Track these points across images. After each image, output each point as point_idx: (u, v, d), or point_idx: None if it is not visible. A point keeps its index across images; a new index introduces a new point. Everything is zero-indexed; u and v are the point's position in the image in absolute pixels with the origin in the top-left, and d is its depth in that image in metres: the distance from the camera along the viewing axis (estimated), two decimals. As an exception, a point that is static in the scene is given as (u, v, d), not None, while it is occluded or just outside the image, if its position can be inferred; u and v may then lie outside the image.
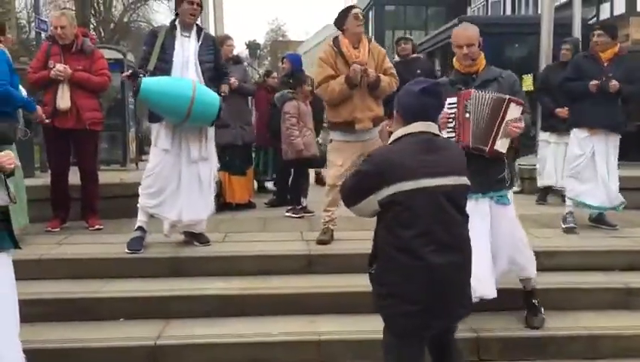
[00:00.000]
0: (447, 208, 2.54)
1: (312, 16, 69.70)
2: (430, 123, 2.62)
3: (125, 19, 26.66)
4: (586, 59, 5.43)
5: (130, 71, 4.41)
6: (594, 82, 5.15)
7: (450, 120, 3.58)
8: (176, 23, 4.62)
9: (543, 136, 7.06)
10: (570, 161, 5.48)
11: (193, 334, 3.73)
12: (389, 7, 23.08)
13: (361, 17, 4.69)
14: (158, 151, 4.57)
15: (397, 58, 7.42)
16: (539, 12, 16.03)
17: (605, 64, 5.27)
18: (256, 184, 8.06)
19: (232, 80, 6.24)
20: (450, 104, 3.54)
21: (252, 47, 29.62)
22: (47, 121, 5.10)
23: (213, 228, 5.27)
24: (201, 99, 4.43)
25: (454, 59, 3.72)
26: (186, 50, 4.55)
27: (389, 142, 2.70)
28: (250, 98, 7.12)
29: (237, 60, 6.79)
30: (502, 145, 3.58)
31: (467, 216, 2.68)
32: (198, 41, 4.62)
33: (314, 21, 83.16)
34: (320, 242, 4.75)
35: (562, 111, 6.34)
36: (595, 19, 14.33)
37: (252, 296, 4.12)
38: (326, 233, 4.83)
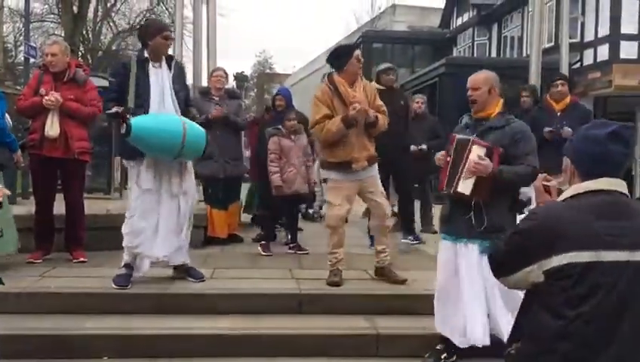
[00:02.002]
0: (630, 291, 1.93)
1: (299, 49, 70.48)
2: (616, 180, 2.04)
3: (114, 47, 26.69)
4: (540, 111, 5.73)
5: (115, 109, 4.25)
6: (547, 129, 5.41)
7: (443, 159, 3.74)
8: (146, 54, 4.53)
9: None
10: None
11: (181, 376, 3.60)
12: (377, 44, 23.33)
13: (362, 59, 4.71)
14: (138, 190, 4.47)
15: (379, 87, 7.44)
16: (523, 55, 16.44)
17: (558, 113, 5.58)
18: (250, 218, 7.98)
19: (217, 108, 6.22)
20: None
21: (240, 79, 29.69)
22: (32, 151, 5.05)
23: (201, 263, 5.17)
24: (191, 134, 4.40)
25: None
26: (161, 80, 4.51)
27: (562, 199, 2.11)
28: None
29: (232, 95, 6.77)
30: (465, 187, 3.57)
31: None
32: (170, 70, 4.58)
33: (301, 54, 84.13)
34: (331, 284, 4.64)
35: None
36: (578, 64, 14.68)
37: (241, 337, 4.01)
38: (336, 275, 4.70)
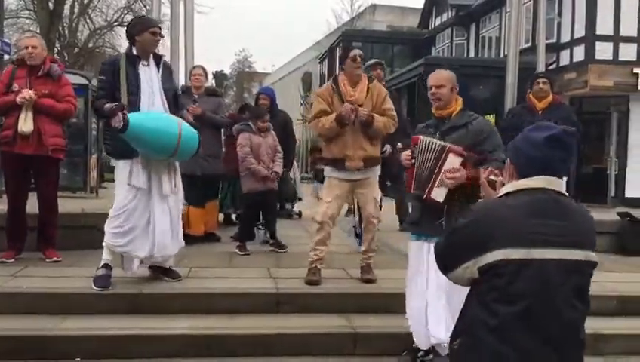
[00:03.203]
0: (561, 289, 1.96)
1: (278, 48, 70.36)
2: (554, 178, 2.05)
3: (90, 45, 26.31)
4: (522, 110, 5.75)
5: (115, 104, 4.17)
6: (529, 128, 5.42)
7: (408, 161, 3.70)
8: (134, 51, 4.46)
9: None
10: None
11: (155, 377, 3.55)
12: (356, 43, 23.40)
13: (359, 59, 4.70)
14: (129, 189, 4.36)
15: None
16: (501, 55, 16.60)
17: (540, 112, 5.59)
18: (222, 216, 7.94)
19: (194, 106, 6.17)
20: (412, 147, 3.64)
21: (219, 77, 29.60)
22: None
23: (177, 262, 5.10)
24: (186, 135, 4.36)
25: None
26: (149, 79, 4.44)
27: (499, 195, 2.14)
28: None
29: (212, 92, 6.71)
30: (438, 195, 3.56)
31: (588, 304, 2.07)
32: (158, 68, 4.52)
33: (281, 53, 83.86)
34: (309, 282, 4.64)
35: None
36: (554, 65, 14.86)
37: (218, 337, 3.97)
38: (315, 273, 4.70)
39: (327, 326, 4.17)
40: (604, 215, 7.37)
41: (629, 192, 13.41)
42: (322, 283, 4.70)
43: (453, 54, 20.62)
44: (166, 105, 4.50)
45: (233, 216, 7.96)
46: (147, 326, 4.00)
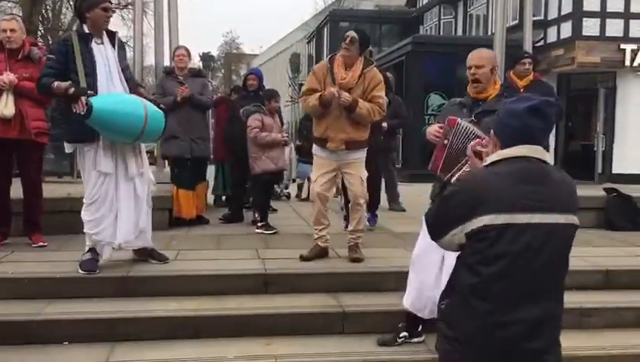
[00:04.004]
0: (541, 251, 2.05)
1: (266, 29, 69.73)
2: (536, 147, 2.12)
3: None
4: (505, 89, 5.73)
5: (72, 89, 4.00)
6: None
7: (438, 139, 3.44)
8: (86, 29, 4.28)
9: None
10: None
11: (141, 359, 3.53)
12: (344, 23, 23.25)
13: (350, 41, 4.62)
14: (98, 175, 4.26)
15: None
16: (489, 33, 16.53)
17: (521, 90, 5.60)
18: (213, 198, 7.92)
19: (183, 87, 6.11)
20: (440, 126, 3.45)
21: (205, 59, 29.31)
22: None
23: (165, 245, 5.11)
24: (152, 116, 4.26)
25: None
26: (105, 58, 4.28)
27: (484, 165, 2.22)
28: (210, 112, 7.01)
29: (196, 73, 6.64)
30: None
31: (567, 264, 2.17)
32: (114, 47, 4.36)
33: (268, 35, 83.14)
34: (302, 258, 4.75)
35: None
36: (542, 42, 14.83)
37: (206, 318, 3.96)
38: (311, 250, 4.80)
39: (316, 305, 4.18)
40: (591, 191, 7.42)
41: (616, 168, 13.50)
42: (311, 263, 4.71)
43: (441, 33, 20.53)
44: (126, 86, 4.37)
45: (223, 198, 7.96)
46: (135, 308, 3.99)
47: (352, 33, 4.67)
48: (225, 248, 5.32)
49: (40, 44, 5.60)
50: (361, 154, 4.81)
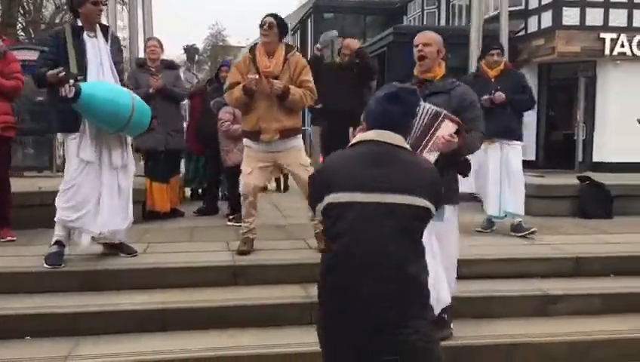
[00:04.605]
0: (381, 229, 2.16)
1: (252, 21, 69.18)
2: (387, 132, 2.27)
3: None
4: (476, 78, 5.77)
5: (64, 73, 4.03)
6: (485, 97, 5.48)
7: None
8: (79, 22, 4.34)
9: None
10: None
11: (105, 353, 3.51)
12: (328, 14, 23.18)
13: (268, 27, 4.59)
14: (79, 162, 4.27)
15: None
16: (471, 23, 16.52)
17: (493, 80, 5.66)
18: (189, 192, 7.88)
19: (156, 78, 6.07)
20: None
21: (190, 51, 28.97)
22: None
23: (138, 239, 5.08)
24: (139, 109, 4.29)
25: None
26: (98, 51, 4.32)
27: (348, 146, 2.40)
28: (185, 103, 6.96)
29: (170, 65, 6.58)
30: (429, 158, 3.46)
31: (418, 245, 2.27)
32: (107, 40, 4.41)
33: (254, 27, 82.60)
34: (241, 253, 4.65)
35: None
36: (523, 32, 14.87)
37: (172, 311, 3.95)
38: (246, 243, 4.74)
39: (284, 296, 4.17)
40: (568, 180, 7.46)
41: (597, 157, 13.58)
42: (281, 255, 4.71)
43: (425, 23, 20.50)
44: (117, 79, 4.40)
45: (200, 192, 7.91)
46: (101, 302, 3.97)
47: (268, 18, 4.63)
48: (197, 241, 5.30)
49: (4, 37, 5.52)
50: (297, 142, 4.78)
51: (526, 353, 3.85)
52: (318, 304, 2.34)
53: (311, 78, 4.75)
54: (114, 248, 4.61)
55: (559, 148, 14.63)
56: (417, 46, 3.61)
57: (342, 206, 2.18)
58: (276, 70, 4.60)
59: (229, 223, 6.05)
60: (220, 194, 7.20)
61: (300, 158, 4.78)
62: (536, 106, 14.70)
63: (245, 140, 4.82)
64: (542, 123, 14.94)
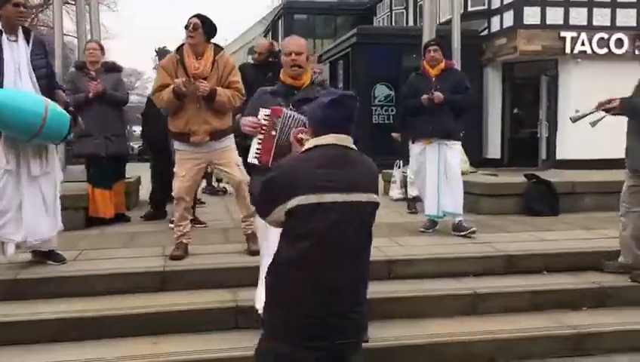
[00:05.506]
0: (347, 226, 2.35)
1: (229, 23, 68.91)
2: (342, 136, 2.43)
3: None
4: (418, 77, 5.77)
5: None
6: (424, 96, 5.54)
7: (263, 131, 3.33)
8: None
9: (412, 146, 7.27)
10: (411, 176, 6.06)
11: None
12: (299, 15, 23.16)
13: (192, 29, 4.54)
14: (0, 172, 4.20)
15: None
16: (438, 23, 16.61)
17: (433, 79, 5.67)
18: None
19: (95, 83, 5.99)
20: (265, 115, 3.34)
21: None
22: None
23: (72, 246, 5.01)
24: (53, 117, 4.16)
25: (282, 71, 3.62)
26: (17, 55, 4.23)
27: (301, 151, 2.53)
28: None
29: (110, 68, 6.49)
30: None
31: (371, 237, 2.50)
32: (28, 44, 4.31)
33: (232, 28, 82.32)
34: (173, 258, 4.61)
35: (396, 136, 7.74)
36: (486, 31, 14.98)
37: (93, 319, 3.88)
38: (179, 248, 4.69)
39: (211, 301, 4.13)
40: (517, 178, 7.47)
41: (560, 155, 13.71)
42: (214, 259, 4.67)
43: (393, 23, 20.58)
44: (36, 85, 4.29)
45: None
46: (22, 311, 3.89)
47: (194, 20, 4.57)
48: (134, 246, 5.23)
49: None
50: (229, 142, 4.74)
51: (454, 351, 3.85)
52: (271, 303, 2.44)
53: (239, 79, 4.73)
54: (43, 256, 4.53)
55: (524, 146, 14.75)
56: (291, 54, 3.51)
57: (310, 207, 2.32)
58: (205, 71, 4.56)
59: (171, 225, 5.98)
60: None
61: (234, 158, 4.76)
62: (500, 105, 15.00)
63: (176, 143, 4.77)
64: (506, 121, 15.07)
